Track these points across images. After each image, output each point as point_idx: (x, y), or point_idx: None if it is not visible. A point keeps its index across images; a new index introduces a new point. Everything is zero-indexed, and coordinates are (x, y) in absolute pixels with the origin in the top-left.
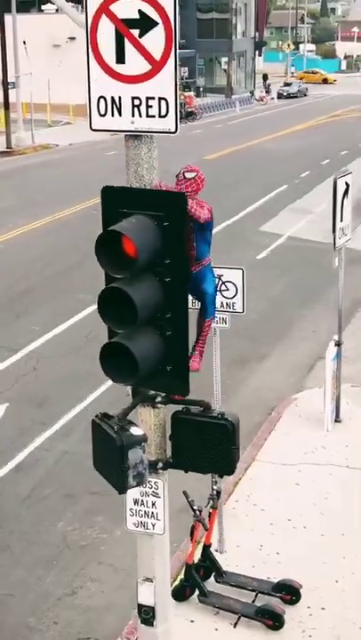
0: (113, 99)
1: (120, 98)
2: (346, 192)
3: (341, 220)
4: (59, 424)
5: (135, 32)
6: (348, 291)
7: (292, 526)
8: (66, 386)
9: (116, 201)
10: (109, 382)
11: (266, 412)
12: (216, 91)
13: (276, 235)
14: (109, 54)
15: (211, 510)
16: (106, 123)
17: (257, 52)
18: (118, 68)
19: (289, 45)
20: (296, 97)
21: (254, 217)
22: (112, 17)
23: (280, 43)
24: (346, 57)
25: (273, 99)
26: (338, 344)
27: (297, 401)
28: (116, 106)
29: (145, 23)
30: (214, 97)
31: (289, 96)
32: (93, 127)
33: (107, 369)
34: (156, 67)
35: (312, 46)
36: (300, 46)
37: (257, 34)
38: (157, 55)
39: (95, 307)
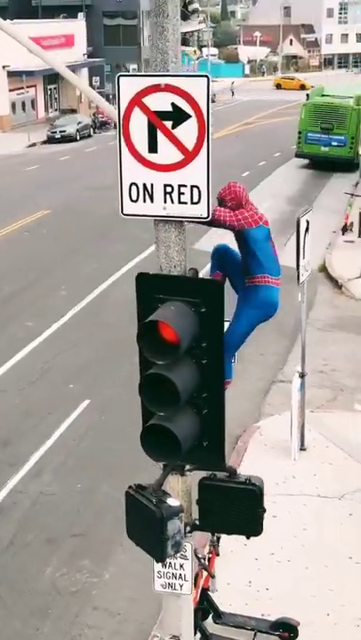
0: (145, 185)
1: (152, 185)
2: (307, 229)
3: (303, 257)
4: (28, 464)
5: (168, 124)
6: (292, 310)
7: (276, 560)
8: (28, 422)
9: (152, 287)
10: (73, 417)
11: (231, 441)
12: None
13: (209, 253)
14: (142, 144)
15: (210, 555)
16: (137, 208)
17: None
18: (151, 157)
19: (195, 52)
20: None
21: (188, 234)
22: (145, 109)
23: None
24: (249, 61)
25: None
26: (302, 375)
27: (260, 429)
28: (148, 193)
29: (178, 115)
30: None
31: None
32: (125, 212)
33: (149, 450)
34: (189, 156)
35: (215, 50)
36: (204, 50)
37: None
38: (190, 146)
39: (46, 334)
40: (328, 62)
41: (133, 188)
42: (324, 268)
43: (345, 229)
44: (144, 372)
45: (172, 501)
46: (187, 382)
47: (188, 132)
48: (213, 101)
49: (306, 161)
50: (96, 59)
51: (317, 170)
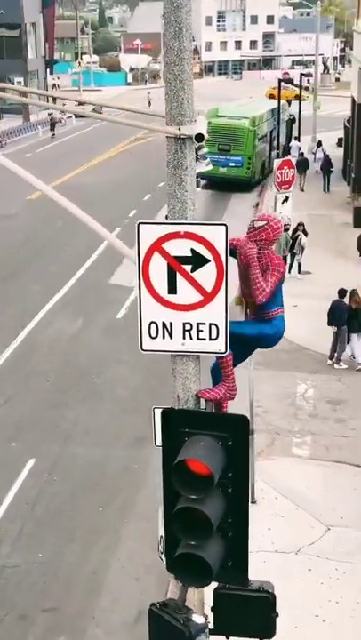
0: (164, 324)
1: (171, 323)
2: None
3: None
4: None
5: (187, 267)
6: None
7: None
8: None
9: (178, 422)
10: (21, 478)
11: None
12: (12, 111)
13: (128, 288)
14: (161, 286)
15: None
16: (156, 344)
17: (48, 70)
18: (170, 298)
19: (80, 64)
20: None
21: (101, 266)
22: (165, 254)
23: (63, 54)
24: (131, 70)
25: (70, 117)
26: (251, 432)
27: None
28: (167, 330)
29: (197, 260)
30: (11, 118)
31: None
32: (144, 348)
33: (179, 576)
34: (208, 297)
35: (96, 58)
36: (85, 58)
37: (47, 51)
38: (209, 287)
39: None
40: (209, 69)
41: (153, 326)
42: (240, 301)
43: None
44: (172, 503)
45: (198, 618)
46: (217, 512)
47: (206, 275)
48: (100, 112)
49: (203, 181)
50: None
51: (216, 190)
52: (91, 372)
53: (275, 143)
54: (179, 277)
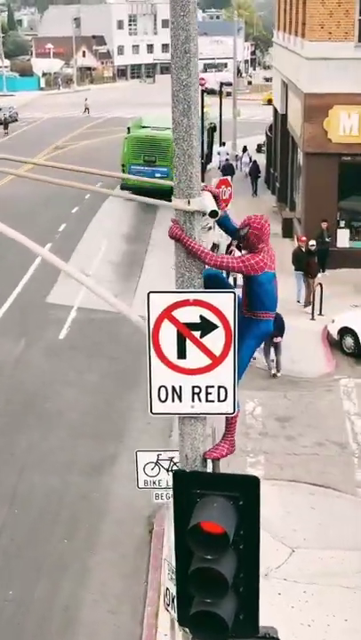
0: (174, 387)
1: (181, 387)
2: None
3: None
4: None
5: (197, 333)
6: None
7: None
8: None
9: (190, 484)
10: None
11: (143, 522)
12: None
13: (66, 307)
14: (171, 351)
15: None
16: (166, 407)
17: None
18: (179, 363)
19: None
20: (8, 123)
21: (37, 284)
22: (174, 321)
23: None
24: (44, 74)
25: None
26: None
27: (170, 511)
28: (177, 393)
29: (206, 326)
30: None
31: None
32: (154, 411)
33: (196, 632)
34: (216, 361)
35: (7, 62)
36: None
37: None
38: (217, 352)
39: None
40: (121, 73)
41: (162, 390)
42: None
43: None
44: (186, 562)
45: None
46: (231, 570)
47: (215, 340)
48: (16, 120)
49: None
50: None
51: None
52: (39, 396)
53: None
54: (188, 343)
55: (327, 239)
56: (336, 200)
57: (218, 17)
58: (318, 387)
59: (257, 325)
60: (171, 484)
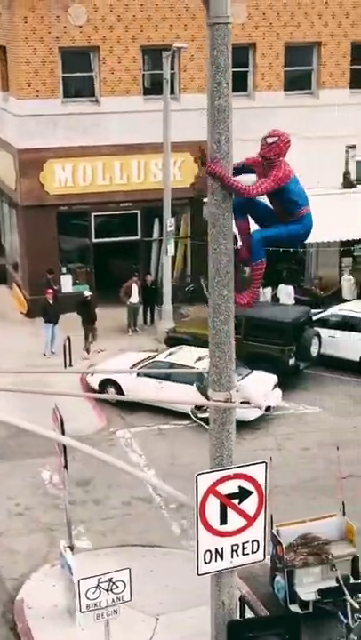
0: (217, 550)
1: (222, 548)
2: None
3: None
4: None
5: (235, 501)
6: None
7: None
8: None
9: (244, 629)
10: None
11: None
12: None
13: None
14: (215, 520)
15: None
16: (210, 567)
17: None
18: (221, 528)
19: None
20: None
21: None
22: (218, 495)
23: None
24: None
25: None
26: (71, 547)
27: (25, 601)
28: (219, 554)
29: (243, 494)
30: None
31: None
32: (200, 572)
33: None
34: (250, 521)
35: None
36: None
37: None
38: (252, 513)
39: None
40: None
41: (208, 554)
42: None
43: None
44: None
45: None
46: None
47: (250, 505)
48: None
49: None
50: None
51: None
52: None
53: None
54: (229, 511)
55: (55, 287)
56: (57, 249)
57: None
58: (100, 442)
59: (302, 223)
60: (110, 602)
